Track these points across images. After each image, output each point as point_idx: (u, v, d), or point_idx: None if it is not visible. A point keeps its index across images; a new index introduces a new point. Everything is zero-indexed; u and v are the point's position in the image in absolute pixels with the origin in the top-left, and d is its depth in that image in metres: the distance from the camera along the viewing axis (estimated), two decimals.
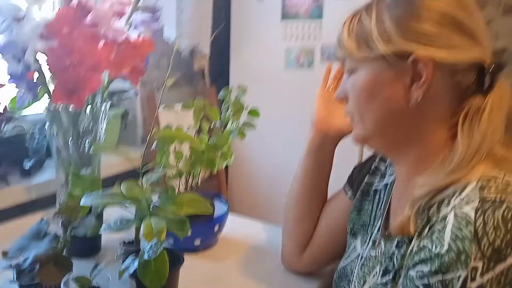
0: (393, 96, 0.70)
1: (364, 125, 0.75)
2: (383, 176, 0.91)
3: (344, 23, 0.75)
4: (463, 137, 0.65)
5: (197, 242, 1.09)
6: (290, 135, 1.92)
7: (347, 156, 1.04)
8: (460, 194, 0.63)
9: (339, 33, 0.76)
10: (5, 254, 0.84)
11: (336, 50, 0.78)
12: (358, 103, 0.74)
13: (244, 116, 1.11)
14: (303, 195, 1.00)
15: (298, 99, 2.01)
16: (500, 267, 0.56)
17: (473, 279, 0.56)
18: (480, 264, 0.56)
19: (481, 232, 0.57)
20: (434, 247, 0.60)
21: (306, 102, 2.01)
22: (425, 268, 0.60)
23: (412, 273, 0.63)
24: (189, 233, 0.84)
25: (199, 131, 1.13)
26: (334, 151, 0.99)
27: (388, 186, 0.87)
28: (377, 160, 0.95)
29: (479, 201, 0.59)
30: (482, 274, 0.56)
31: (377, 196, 0.89)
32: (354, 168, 0.99)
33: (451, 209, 0.62)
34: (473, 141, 0.65)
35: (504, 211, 0.58)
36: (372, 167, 0.94)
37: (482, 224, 0.57)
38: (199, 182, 1.10)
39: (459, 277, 0.57)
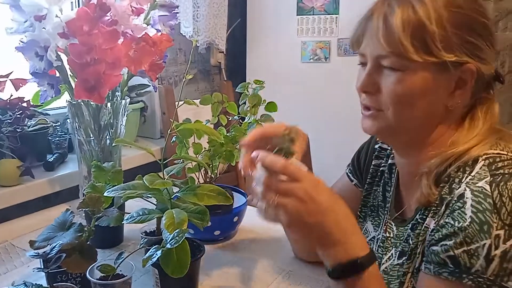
0: (436, 99, 0.73)
1: (395, 121, 0.74)
2: (388, 156, 0.92)
3: (392, 14, 0.70)
4: (481, 121, 0.74)
5: (217, 232, 1.11)
6: (307, 128, 1.92)
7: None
8: (470, 173, 0.68)
9: (378, 24, 0.71)
10: (32, 243, 0.87)
11: (372, 43, 0.73)
12: (399, 101, 0.73)
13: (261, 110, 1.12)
14: None
15: (315, 92, 2.02)
16: None
17: (496, 246, 0.61)
18: (502, 232, 0.61)
19: (499, 203, 0.62)
20: (457, 222, 0.64)
21: (323, 95, 2.02)
22: (449, 242, 0.64)
23: (436, 248, 0.66)
24: (209, 223, 0.86)
25: (217, 125, 1.14)
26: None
27: (394, 167, 0.89)
28: (379, 140, 0.95)
29: (490, 176, 0.65)
30: (505, 241, 0.60)
31: (383, 177, 0.91)
32: (357, 154, 1.00)
33: (465, 187, 0.66)
34: (490, 122, 0.74)
35: None
36: (377, 148, 0.95)
37: (498, 195, 0.62)
38: (218, 174, 1.12)
39: (483, 245, 0.61)
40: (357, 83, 0.78)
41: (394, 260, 0.79)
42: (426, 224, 0.73)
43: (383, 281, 0.70)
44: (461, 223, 0.63)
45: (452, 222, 0.65)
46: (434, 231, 0.69)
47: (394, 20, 0.69)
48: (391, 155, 0.91)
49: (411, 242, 0.76)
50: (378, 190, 0.91)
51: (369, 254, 0.68)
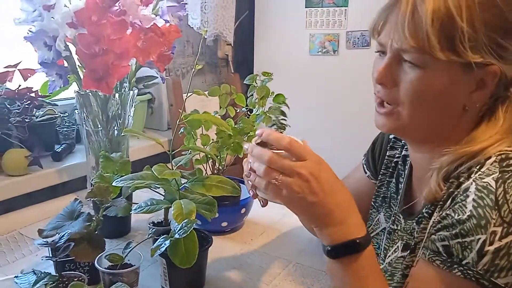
0: (455, 100, 0.70)
1: (409, 119, 0.72)
2: (403, 147, 0.92)
3: (422, 4, 0.65)
4: (501, 119, 0.71)
5: (224, 224, 1.11)
6: (315, 121, 1.92)
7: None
8: (480, 168, 0.66)
9: (405, 14, 0.66)
10: (41, 232, 0.87)
11: (396, 34, 0.68)
12: (416, 99, 0.70)
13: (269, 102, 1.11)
14: None
15: (323, 85, 2.01)
16: None
17: (491, 243, 0.60)
18: (499, 229, 0.60)
19: (501, 200, 0.61)
20: (456, 215, 0.64)
21: (331, 88, 2.02)
22: (446, 232, 0.65)
23: (434, 236, 0.67)
24: (217, 214, 0.86)
25: (225, 117, 1.14)
26: None
27: (408, 158, 0.88)
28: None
29: (499, 172, 0.63)
30: (500, 238, 0.60)
31: (397, 168, 0.90)
32: (372, 145, 0.99)
33: (472, 181, 0.65)
34: (510, 121, 0.71)
35: None
36: (391, 138, 0.94)
37: (503, 192, 0.61)
38: (225, 166, 1.12)
39: (478, 239, 0.61)
40: (373, 72, 0.75)
41: (398, 252, 0.79)
42: (432, 219, 0.72)
43: (377, 263, 0.71)
44: (460, 216, 0.63)
45: (452, 214, 0.65)
46: (436, 222, 0.69)
47: (425, 11, 0.65)
48: (405, 147, 0.90)
49: (415, 236, 0.76)
50: (392, 181, 0.91)
51: (366, 236, 0.68)
